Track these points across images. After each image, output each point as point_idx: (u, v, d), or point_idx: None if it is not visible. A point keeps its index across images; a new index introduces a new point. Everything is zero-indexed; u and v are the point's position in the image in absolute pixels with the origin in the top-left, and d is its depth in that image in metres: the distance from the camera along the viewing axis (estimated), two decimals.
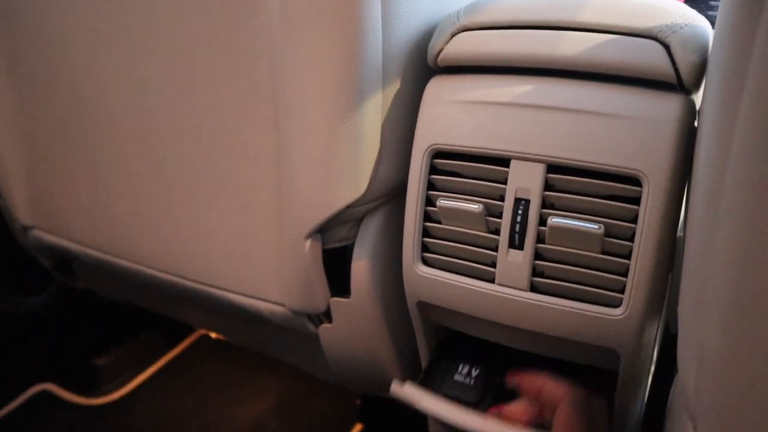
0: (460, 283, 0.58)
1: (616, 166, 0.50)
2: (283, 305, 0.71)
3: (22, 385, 1.24)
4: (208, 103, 0.66)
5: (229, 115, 0.65)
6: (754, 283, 0.29)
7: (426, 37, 0.61)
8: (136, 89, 0.71)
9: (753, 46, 0.29)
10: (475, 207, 0.55)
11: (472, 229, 0.57)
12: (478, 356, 0.65)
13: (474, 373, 0.63)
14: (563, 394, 0.52)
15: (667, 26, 0.49)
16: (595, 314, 0.53)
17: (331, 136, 0.58)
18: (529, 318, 0.56)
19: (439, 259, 0.60)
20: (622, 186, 0.51)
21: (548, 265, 0.54)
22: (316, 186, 0.60)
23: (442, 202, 0.57)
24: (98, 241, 0.86)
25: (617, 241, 0.51)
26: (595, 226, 0.51)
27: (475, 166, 0.56)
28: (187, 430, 1.17)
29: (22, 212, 0.93)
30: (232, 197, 0.69)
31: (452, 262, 0.59)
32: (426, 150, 0.58)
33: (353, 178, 0.60)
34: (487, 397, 0.61)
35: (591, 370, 0.61)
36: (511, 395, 0.58)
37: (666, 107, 0.49)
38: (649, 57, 0.49)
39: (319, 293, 0.68)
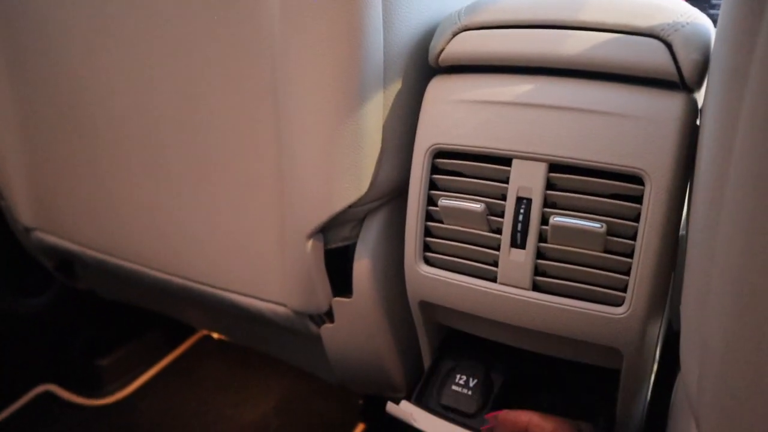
0: (462, 282, 0.58)
1: (619, 165, 0.50)
2: (285, 305, 0.71)
3: (25, 385, 1.24)
4: (210, 103, 0.66)
5: (231, 115, 0.65)
6: (756, 281, 0.29)
7: (427, 37, 0.61)
8: (136, 90, 0.71)
9: (755, 44, 0.29)
10: (477, 206, 0.55)
11: (474, 229, 0.57)
12: (480, 357, 0.65)
13: (472, 383, 0.63)
14: (552, 429, 0.52)
15: (668, 25, 0.49)
16: (598, 313, 0.53)
17: (333, 136, 0.58)
18: (531, 317, 0.55)
19: (441, 258, 0.60)
20: (625, 185, 0.51)
21: (550, 264, 0.54)
22: (317, 186, 0.60)
23: (443, 202, 0.57)
24: (100, 242, 0.86)
25: (620, 239, 0.51)
26: (597, 224, 0.51)
27: (476, 166, 0.56)
28: (190, 430, 1.17)
29: (24, 213, 0.93)
30: (234, 197, 0.69)
31: (454, 261, 0.59)
32: (427, 149, 0.58)
33: (355, 178, 0.60)
34: (486, 407, 0.61)
35: (593, 369, 0.61)
36: (510, 405, 0.58)
37: (668, 106, 0.49)
38: (650, 55, 0.49)
39: (321, 293, 0.68)
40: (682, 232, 0.53)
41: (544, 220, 0.53)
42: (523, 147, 0.53)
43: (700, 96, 0.51)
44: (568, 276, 0.54)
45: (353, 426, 1.17)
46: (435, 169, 0.59)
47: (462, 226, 0.57)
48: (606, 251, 0.52)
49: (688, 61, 0.48)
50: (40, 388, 1.25)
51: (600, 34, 0.52)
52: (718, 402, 0.34)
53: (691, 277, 0.41)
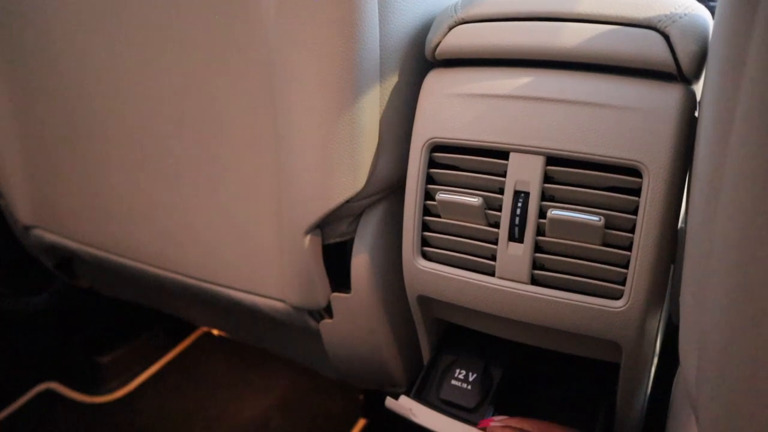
0: (461, 276, 0.58)
1: (616, 158, 0.50)
2: (283, 301, 0.71)
3: (26, 384, 1.24)
4: (207, 100, 0.66)
5: (228, 112, 0.65)
6: (754, 274, 0.29)
7: (423, 31, 0.60)
8: (134, 88, 0.70)
9: (752, 34, 0.28)
10: (475, 200, 0.55)
11: (471, 223, 0.57)
12: (479, 352, 0.65)
13: (471, 377, 0.62)
14: None
15: (666, 16, 0.49)
16: (597, 306, 0.52)
17: (330, 131, 0.57)
18: (529, 311, 0.55)
19: (439, 253, 0.59)
20: (623, 177, 0.50)
21: (548, 258, 0.54)
22: (315, 181, 0.60)
23: (441, 196, 0.57)
24: (99, 240, 0.86)
25: (618, 232, 0.51)
26: (595, 217, 0.51)
27: (474, 159, 0.56)
28: (192, 427, 1.17)
29: (23, 212, 0.93)
30: (232, 194, 0.69)
31: (452, 255, 0.58)
32: (425, 144, 0.58)
33: (352, 173, 0.59)
34: (485, 401, 0.61)
35: (593, 363, 0.61)
36: (509, 400, 0.58)
37: (666, 97, 0.49)
38: (648, 47, 0.49)
39: (319, 289, 0.68)
40: (681, 224, 0.53)
41: (542, 214, 0.53)
42: (521, 140, 0.53)
43: (698, 87, 0.51)
44: (567, 269, 0.54)
45: (354, 421, 1.17)
46: (432, 164, 0.58)
47: (460, 221, 0.57)
48: (604, 244, 0.52)
49: (685, 52, 0.48)
50: (42, 386, 1.25)
51: (597, 26, 0.51)
52: (716, 394, 0.33)
53: (689, 269, 0.41)
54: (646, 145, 0.49)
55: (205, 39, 0.63)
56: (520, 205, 0.53)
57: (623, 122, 0.50)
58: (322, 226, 0.65)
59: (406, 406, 0.58)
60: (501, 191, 0.54)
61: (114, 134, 0.75)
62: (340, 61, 0.55)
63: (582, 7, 0.52)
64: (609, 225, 0.51)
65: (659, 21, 0.49)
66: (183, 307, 1.01)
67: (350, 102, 0.56)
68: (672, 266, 0.54)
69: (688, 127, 0.49)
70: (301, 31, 0.55)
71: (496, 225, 0.55)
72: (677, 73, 0.49)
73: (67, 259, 1.04)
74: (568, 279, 0.53)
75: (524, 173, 0.53)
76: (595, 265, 0.52)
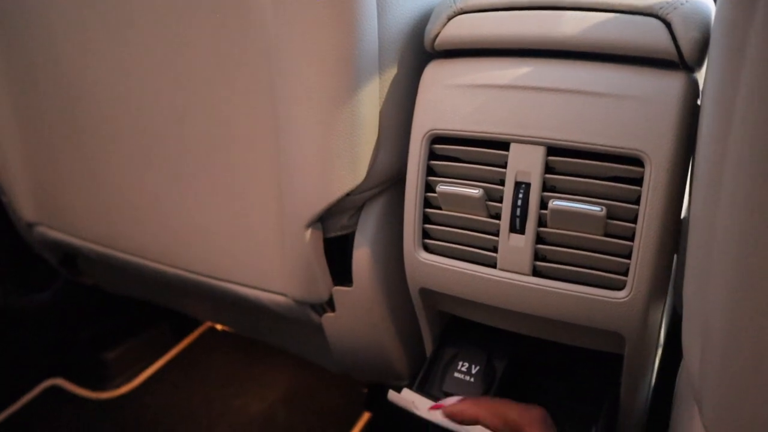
0: (462, 268, 0.58)
1: (618, 147, 0.49)
2: (285, 295, 0.71)
3: (32, 380, 1.25)
4: (206, 95, 0.65)
5: (227, 106, 0.65)
6: (757, 264, 0.28)
7: (422, 22, 0.60)
8: (134, 84, 0.70)
9: (752, 21, 0.28)
10: (475, 192, 0.55)
11: (472, 214, 0.56)
12: (482, 344, 0.65)
13: (474, 370, 0.62)
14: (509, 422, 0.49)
15: (667, 3, 0.48)
16: (599, 297, 0.52)
17: (329, 124, 0.57)
18: (532, 303, 0.55)
19: (440, 245, 0.59)
20: (624, 167, 0.50)
21: (550, 249, 0.53)
22: (315, 174, 0.60)
23: (441, 188, 0.56)
24: (102, 236, 0.86)
25: (620, 222, 0.51)
26: (597, 208, 0.50)
27: (474, 151, 0.55)
28: (197, 422, 1.18)
29: (26, 209, 0.93)
30: (233, 189, 0.69)
31: (453, 247, 0.58)
32: (424, 135, 0.57)
33: (352, 166, 0.59)
34: (489, 393, 0.61)
35: (597, 354, 0.60)
36: (512, 392, 0.57)
37: (668, 86, 0.48)
38: (649, 35, 0.48)
39: (321, 282, 0.68)
40: (685, 214, 0.52)
41: (544, 205, 0.53)
42: (521, 130, 0.52)
43: (700, 75, 0.50)
44: (569, 260, 0.53)
45: (359, 415, 1.17)
46: (432, 155, 0.58)
47: (461, 212, 0.57)
48: (606, 235, 0.51)
49: (687, 39, 0.47)
50: (47, 383, 1.26)
51: (597, 14, 0.51)
52: (719, 386, 0.33)
53: (692, 259, 0.41)
54: (648, 134, 0.48)
55: (203, 35, 0.62)
56: (521, 196, 0.53)
57: (625, 111, 0.49)
58: (323, 219, 0.64)
59: (408, 398, 0.58)
60: (502, 182, 0.54)
61: (116, 131, 0.75)
62: (339, 53, 0.55)
63: None
64: (611, 215, 0.51)
65: (660, 8, 0.48)
66: (187, 303, 1.01)
67: (349, 94, 0.56)
68: (675, 256, 0.54)
69: (691, 115, 0.48)
70: (299, 25, 0.55)
71: (497, 216, 0.55)
72: (679, 61, 0.48)
73: (71, 256, 1.04)
74: (570, 270, 0.53)
75: (525, 164, 0.53)
76: (598, 255, 0.52)
